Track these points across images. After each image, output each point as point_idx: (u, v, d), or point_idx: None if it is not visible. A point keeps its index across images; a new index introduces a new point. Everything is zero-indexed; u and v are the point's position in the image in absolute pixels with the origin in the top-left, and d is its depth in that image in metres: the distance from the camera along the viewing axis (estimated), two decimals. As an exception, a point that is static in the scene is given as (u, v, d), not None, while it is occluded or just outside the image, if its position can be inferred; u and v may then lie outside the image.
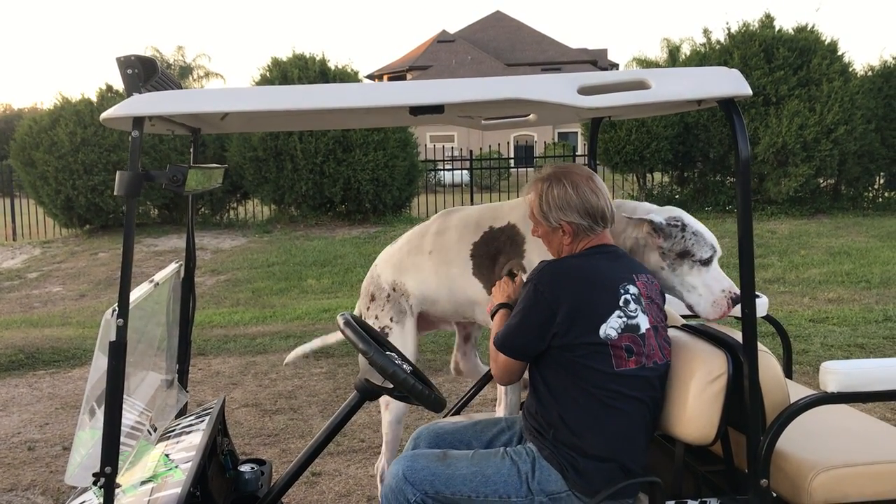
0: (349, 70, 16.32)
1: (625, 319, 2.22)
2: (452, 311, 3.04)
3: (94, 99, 15.94)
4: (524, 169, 23.22)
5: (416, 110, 2.17)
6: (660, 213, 2.60)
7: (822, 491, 2.22)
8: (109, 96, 15.98)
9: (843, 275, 10.33)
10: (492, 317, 2.55)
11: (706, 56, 15.40)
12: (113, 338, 1.91)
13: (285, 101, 1.99)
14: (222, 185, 2.73)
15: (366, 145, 15.27)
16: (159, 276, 2.54)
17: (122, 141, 15.24)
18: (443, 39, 48.95)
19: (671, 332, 2.46)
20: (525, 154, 29.50)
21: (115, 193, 1.89)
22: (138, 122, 1.92)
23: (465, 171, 20.95)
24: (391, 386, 2.29)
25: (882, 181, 15.93)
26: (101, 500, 2.10)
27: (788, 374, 3.35)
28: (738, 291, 2.49)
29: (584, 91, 2.08)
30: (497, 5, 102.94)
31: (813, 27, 15.27)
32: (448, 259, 2.94)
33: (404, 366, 2.31)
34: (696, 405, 2.25)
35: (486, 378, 3.35)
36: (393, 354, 2.35)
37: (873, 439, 2.46)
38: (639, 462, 2.28)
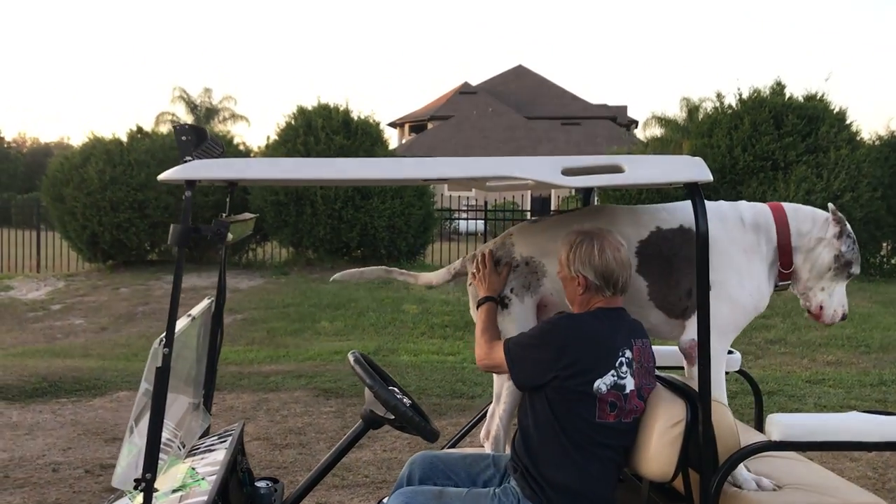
0: (371, 121, 16.88)
1: (615, 379, 2.55)
2: None
3: (124, 139, 16.58)
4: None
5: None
6: None
7: None
8: (139, 137, 16.62)
9: (843, 338, 10.54)
10: (477, 307, 2.88)
11: (717, 120, 15.81)
12: (159, 364, 2.27)
13: (309, 172, 2.38)
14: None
15: (383, 193, 15.74)
16: (195, 311, 2.89)
17: (148, 180, 15.81)
18: (465, 91, 49.72)
19: None
20: (541, 207, 29.90)
21: (168, 243, 2.26)
22: (190, 183, 2.30)
23: (480, 221, 21.38)
24: (392, 417, 2.62)
25: (888, 248, 16.17)
26: (136, 503, 2.44)
27: (759, 426, 3.64)
28: (847, 311, 2.98)
29: (567, 172, 2.44)
30: (519, 59, 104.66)
31: (822, 96, 15.67)
32: None
33: (405, 400, 2.65)
34: (658, 447, 2.57)
35: (480, 418, 3.64)
36: (395, 389, 2.68)
37: (815, 485, 2.75)
38: (608, 499, 2.60)
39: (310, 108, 16.70)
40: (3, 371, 8.39)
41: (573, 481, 2.54)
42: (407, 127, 50.50)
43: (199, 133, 2.48)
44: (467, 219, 19.99)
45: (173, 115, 45.57)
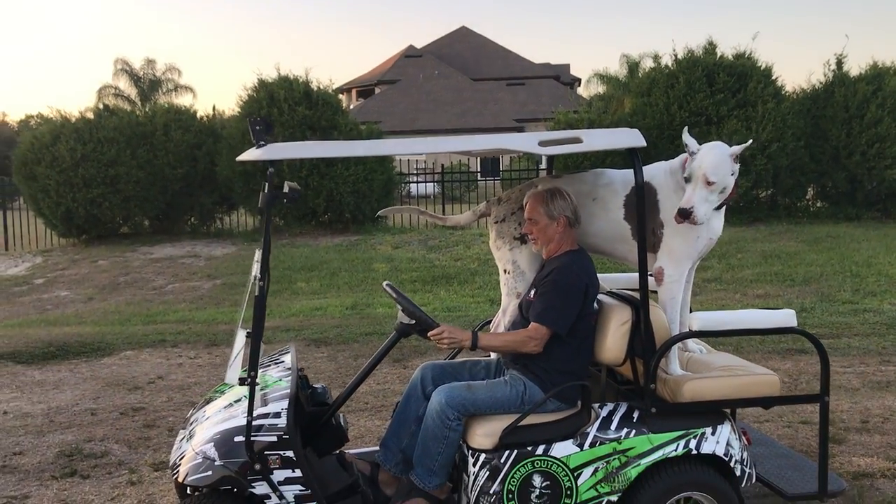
0: (331, 91, 17.54)
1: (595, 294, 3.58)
2: (599, 244, 3.93)
3: (91, 117, 17.06)
4: (490, 181, 24.59)
5: None
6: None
7: (689, 393, 3.52)
8: (107, 115, 17.09)
9: (772, 275, 11.79)
10: (473, 347, 3.46)
11: (655, 80, 16.85)
12: (257, 293, 3.16)
13: (357, 150, 3.28)
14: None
15: (347, 160, 16.32)
16: (256, 257, 3.76)
17: (118, 156, 16.41)
18: (410, 54, 50.04)
19: (600, 296, 3.76)
20: (491, 167, 30.85)
21: (259, 205, 3.13)
22: (273, 161, 3.18)
23: (434, 184, 22.27)
24: (419, 327, 3.55)
25: (813, 192, 17.50)
26: (233, 399, 3.35)
27: None
28: (685, 206, 3.50)
29: (543, 144, 3.36)
30: (462, 21, 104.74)
31: (750, 54, 16.80)
32: (608, 206, 3.86)
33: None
34: (613, 339, 3.55)
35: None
36: (420, 308, 3.60)
37: (723, 363, 3.78)
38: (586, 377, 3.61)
39: (270, 80, 17.25)
40: (8, 340, 9.05)
41: (573, 366, 3.53)
42: (354, 92, 50.73)
43: (267, 123, 3.35)
44: (423, 182, 20.86)
45: (116, 87, 45.19)
